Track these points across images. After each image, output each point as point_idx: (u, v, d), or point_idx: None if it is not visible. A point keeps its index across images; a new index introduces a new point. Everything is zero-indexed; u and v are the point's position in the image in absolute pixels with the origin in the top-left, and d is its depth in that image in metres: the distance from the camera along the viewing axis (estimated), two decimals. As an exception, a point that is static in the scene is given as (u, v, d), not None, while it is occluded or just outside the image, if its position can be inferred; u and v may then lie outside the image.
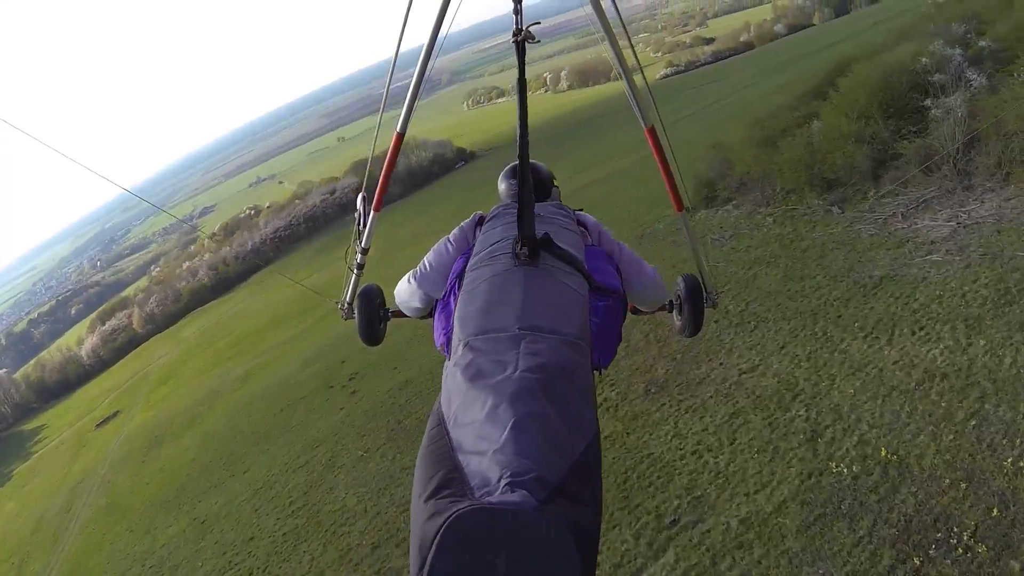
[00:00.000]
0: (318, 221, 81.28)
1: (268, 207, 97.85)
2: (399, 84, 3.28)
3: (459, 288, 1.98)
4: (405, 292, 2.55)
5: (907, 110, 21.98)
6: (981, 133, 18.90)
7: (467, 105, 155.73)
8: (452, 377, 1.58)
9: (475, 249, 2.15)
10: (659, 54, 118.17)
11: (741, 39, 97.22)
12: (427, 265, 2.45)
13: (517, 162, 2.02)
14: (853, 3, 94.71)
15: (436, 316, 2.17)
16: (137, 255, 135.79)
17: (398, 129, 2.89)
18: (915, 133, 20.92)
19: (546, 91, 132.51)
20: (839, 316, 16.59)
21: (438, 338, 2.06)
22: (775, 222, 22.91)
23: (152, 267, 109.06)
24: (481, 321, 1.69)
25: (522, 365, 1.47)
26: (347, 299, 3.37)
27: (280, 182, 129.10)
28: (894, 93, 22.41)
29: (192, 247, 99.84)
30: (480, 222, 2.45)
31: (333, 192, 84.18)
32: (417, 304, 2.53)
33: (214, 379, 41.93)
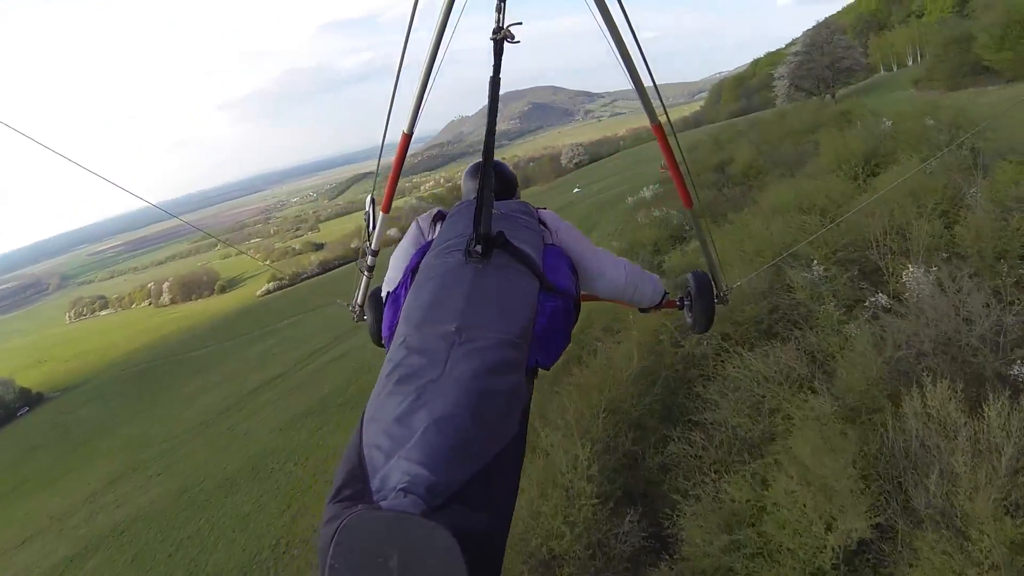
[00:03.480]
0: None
1: None
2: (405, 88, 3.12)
3: (411, 282, 1.97)
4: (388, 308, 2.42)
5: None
6: None
7: (69, 317, 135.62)
8: (382, 370, 1.59)
9: (433, 244, 2.11)
10: (268, 262, 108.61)
11: (352, 245, 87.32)
12: (394, 274, 2.31)
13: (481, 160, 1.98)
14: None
15: (386, 309, 2.12)
16: None
17: (406, 129, 2.85)
18: None
19: (149, 304, 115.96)
20: None
21: (384, 331, 2.05)
22: None
23: None
24: (421, 317, 1.68)
25: (450, 367, 1.47)
26: (358, 301, 3.45)
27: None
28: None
29: None
30: (438, 217, 2.42)
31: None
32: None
33: None
